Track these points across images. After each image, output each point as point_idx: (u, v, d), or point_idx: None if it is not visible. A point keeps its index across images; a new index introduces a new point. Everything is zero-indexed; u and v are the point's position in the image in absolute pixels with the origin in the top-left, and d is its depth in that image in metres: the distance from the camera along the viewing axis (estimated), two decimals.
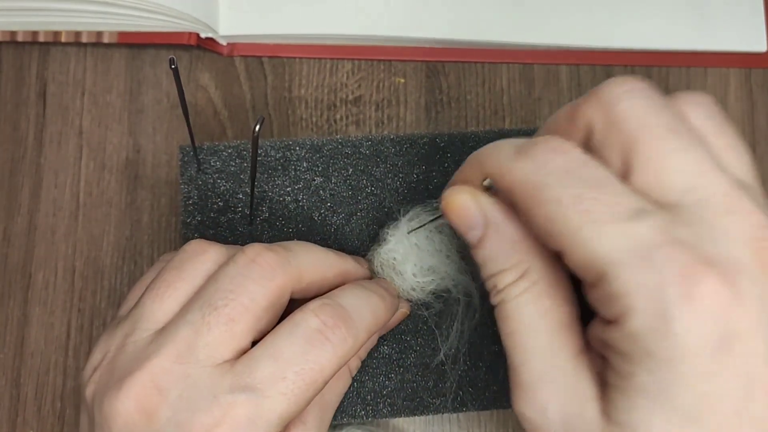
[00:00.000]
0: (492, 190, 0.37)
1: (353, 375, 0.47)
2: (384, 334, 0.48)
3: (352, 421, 0.49)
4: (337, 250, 0.47)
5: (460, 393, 0.48)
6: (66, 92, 0.58)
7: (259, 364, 0.36)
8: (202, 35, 0.57)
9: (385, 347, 0.48)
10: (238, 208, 0.49)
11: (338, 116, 0.58)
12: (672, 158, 0.32)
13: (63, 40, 0.57)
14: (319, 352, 0.37)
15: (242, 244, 0.47)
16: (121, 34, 0.57)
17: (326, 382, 0.37)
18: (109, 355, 0.38)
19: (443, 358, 0.48)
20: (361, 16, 0.59)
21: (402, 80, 0.59)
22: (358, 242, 0.50)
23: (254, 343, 0.38)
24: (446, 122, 0.59)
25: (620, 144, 0.33)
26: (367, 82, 0.59)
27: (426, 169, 0.51)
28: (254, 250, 0.39)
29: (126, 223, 0.56)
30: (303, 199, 0.50)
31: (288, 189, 0.50)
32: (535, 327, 0.35)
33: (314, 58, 0.59)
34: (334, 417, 0.45)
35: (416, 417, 0.53)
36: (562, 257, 0.33)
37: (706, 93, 0.36)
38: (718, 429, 0.30)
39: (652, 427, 0.31)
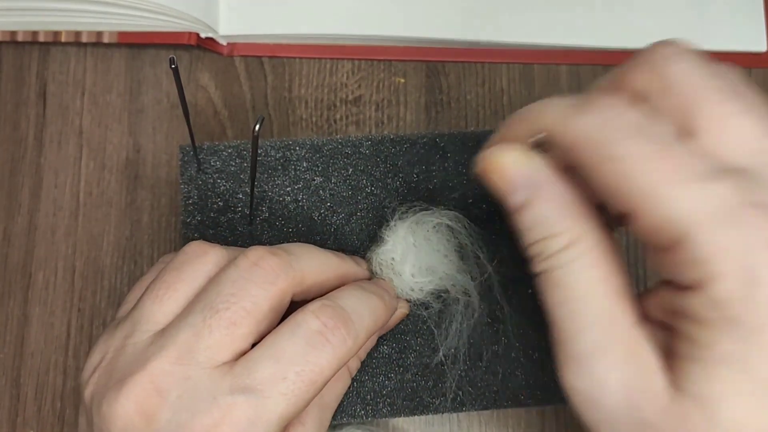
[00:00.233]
0: (541, 148, 0.35)
1: (353, 375, 0.47)
2: (383, 334, 0.48)
3: (352, 421, 0.49)
4: (336, 250, 0.47)
5: (460, 393, 0.48)
6: (66, 92, 0.58)
7: (259, 365, 0.36)
8: (202, 35, 0.57)
9: (385, 347, 0.48)
10: (238, 207, 0.49)
11: (338, 116, 0.58)
12: (736, 120, 0.31)
13: (63, 40, 0.57)
14: (319, 353, 0.36)
15: (242, 244, 0.48)
16: (121, 34, 0.57)
17: (326, 383, 0.37)
18: (108, 356, 0.38)
19: (442, 358, 0.48)
20: (361, 16, 0.59)
21: (402, 80, 0.59)
22: (358, 242, 0.50)
23: (254, 345, 0.37)
24: (446, 122, 0.58)
25: (679, 107, 0.32)
26: (367, 82, 0.59)
27: (426, 168, 0.51)
28: (256, 253, 0.38)
29: (126, 223, 0.56)
30: (303, 198, 0.50)
31: (288, 189, 0.50)
32: (591, 295, 0.33)
33: (314, 58, 0.59)
34: (334, 417, 0.45)
35: (416, 417, 0.52)
36: (631, 219, 0.31)
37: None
38: None
39: (731, 398, 0.30)
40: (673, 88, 0.32)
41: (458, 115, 0.59)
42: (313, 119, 0.58)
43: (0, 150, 0.57)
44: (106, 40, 0.57)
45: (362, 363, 0.47)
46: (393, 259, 0.46)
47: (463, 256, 0.48)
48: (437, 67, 0.59)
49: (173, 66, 0.36)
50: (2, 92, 0.58)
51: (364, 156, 0.50)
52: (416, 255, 0.46)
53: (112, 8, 0.55)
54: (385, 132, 0.58)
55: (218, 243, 0.42)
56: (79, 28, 0.57)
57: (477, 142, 0.51)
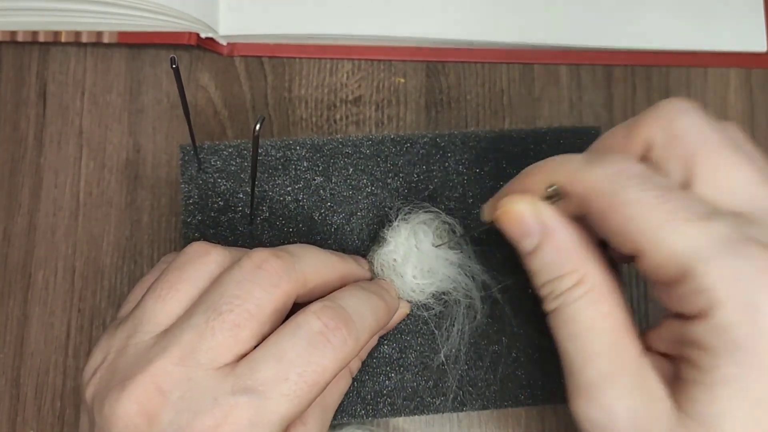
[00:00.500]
0: (552, 199, 0.38)
1: (354, 375, 0.47)
2: (384, 334, 0.48)
3: (352, 420, 0.49)
4: (337, 249, 0.48)
5: (460, 393, 0.48)
6: (66, 92, 0.58)
7: (261, 366, 0.36)
8: (202, 35, 0.57)
9: (386, 347, 0.48)
10: (239, 207, 0.49)
11: (338, 116, 0.58)
12: (733, 171, 0.34)
13: (63, 40, 0.57)
14: (321, 354, 0.36)
15: (243, 244, 0.48)
16: (121, 34, 0.57)
17: (328, 384, 0.37)
18: (110, 356, 0.38)
19: (443, 359, 0.48)
20: (360, 16, 0.59)
21: (402, 80, 0.59)
22: (359, 242, 0.50)
23: (256, 346, 0.37)
24: (446, 122, 0.58)
25: (683, 156, 0.35)
26: (367, 82, 0.59)
27: (426, 168, 0.51)
28: (260, 255, 0.38)
29: (126, 223, 0.56)
30: (303, 198, 0.50)
31: (288, 188, 0.50)
32: (597, 329, 0.36)
33: (314, 58, 0.59)
34: (335, 416, 0.45)
35: (416, 417, 0.53)
36: (638, 259, 0.34)
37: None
38: None
39: (732, 417, 0.31)
40: (678, 139, 0.35)
41: (458, 115, 0.59)
42: (313, 119, 0.58)
43: (0, 150, 0.57)
44: (106, 40, 0.57)
45: (363, 363, 0.48)
46: (395, 260, 0.46)
47: (464, 258, 0.48)
48: (437, 67, 0.59)
49: (174, 66, 0.36)
50: (2, 92, 0.58)
51: (364, 156, 0.50)
52: (418, 257, 0.46)
53: (112, 8, 0.55)
54: (386, 132, 0.58)
55: (219, 242, 0.42)
56: (79, 28, 0.57)
57: (478, 141, 0.51)
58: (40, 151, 0.57)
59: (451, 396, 0.48)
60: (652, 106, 0.37)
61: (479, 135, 0.51)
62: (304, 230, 0.49)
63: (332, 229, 0.50)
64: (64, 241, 0.55)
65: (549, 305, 0.38)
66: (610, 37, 0.59)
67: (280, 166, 0.50)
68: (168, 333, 0.37)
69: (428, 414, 0.49)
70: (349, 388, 0.47)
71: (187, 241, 0.48)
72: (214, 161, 0.50)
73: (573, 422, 0.37)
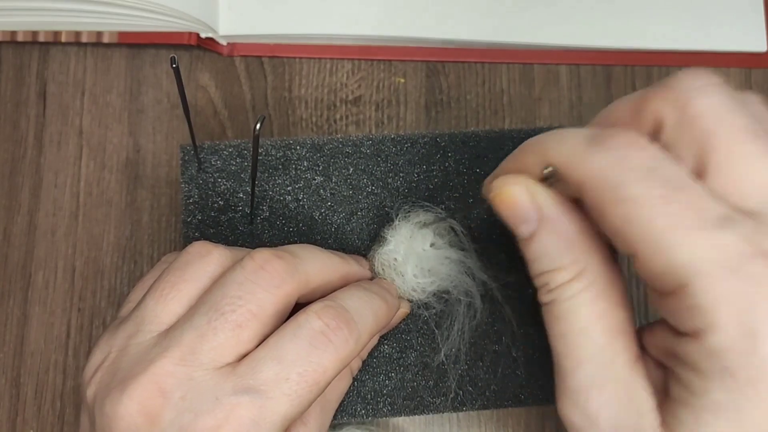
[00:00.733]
0: (549, 180, 0.35)
1: (354, 374, 0.47)
2: (385, 334, 0.48)
3: (352, 420, 0.49)
4: (337, 249, 0.48)
5: (460, 392, 0.48)
6: (66, 92, 0.58)
7: (262, 365, 0.36)
8: (202, 35, 0.57)
9: (386, 346, 0.48)
10: (239, 207, 0.49)
11: (338, 116, 0.58)
12: (752, 163, 0.31)
13: (63, 40, 0.57)
14: (322, 354, 0.36)
15: (243, 243, 0.48)
16: (121, 34, 0.57)
17: (329, 383, 0.37)
18: (111, 355, 0.38)
19: (444, 359, 0.48)
20: (361, 16, 0.59)
21: (402, 80, 0.59)
22: (359, 241, 0.50)
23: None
24: (446, 122, 0.59)
25: (696, 143, 0.32)
26: (367, 82, 0.59)
27: (427, 168, 0.51)
28: (262, 256, 0.38)
29: (126, 223, 0.56)
30: (304, 198, 0.50)
31: (288, 188, 0.50)
32: (590, 330, 0.34)
33: (314, 58, 0.59)
34: (335, 416, 0.45)
35: (416, 417, 0.53)
36: (635, 261, 0.31)
37: None
38: None
39: None
40: (694, 123, 0.32)
41: (458, 115, 0.59)
42: (313, 119, 0.58)
43: (0, 150, 0.57)
44: (106, 40, 0.57)
45: (363, 362, 0.48)
46: (395, 259, 0.46)
47: (464, 257, 0.48)
48: (437, 67, 0.59)
49: (174, 65, 0.36)
50: (2, 92, 0.58)
51: (364, 155, 0.50)
52: (418, 256, 0.46)
53: (112, 8, 0.55)
54: (386, 132, 0.58)
55: (219, 242, 0.41)
56: (79, 28, 0.57)
57: (478, 141, 0.51)
58: (40, 151, 0.57)
59: (451, 396, 0.48)
60: (667, 78, 0.33)
61: (479, 135, 0.51)
62: (305, 230, 0.49)
63: (332, 229, 0.50)
64: (64, 241, 0.55)
65: (543, 297, 0.36)
66: (610, 37, 0.59)
67: (280, 166, 0.50)
68: (169, 333, 0.37)
69: (428, 414, 0.49)
70: (350, 387, 0.47)
71: (187, 240, 0.48)
72: (214, 161, 0.50)
73: None
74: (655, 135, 0.33)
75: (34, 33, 0.57)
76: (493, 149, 0.51)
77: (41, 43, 0.58)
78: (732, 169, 0.31)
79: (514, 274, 0.49)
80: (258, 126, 0.36)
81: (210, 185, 0.49)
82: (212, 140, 0.55)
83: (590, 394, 0.34)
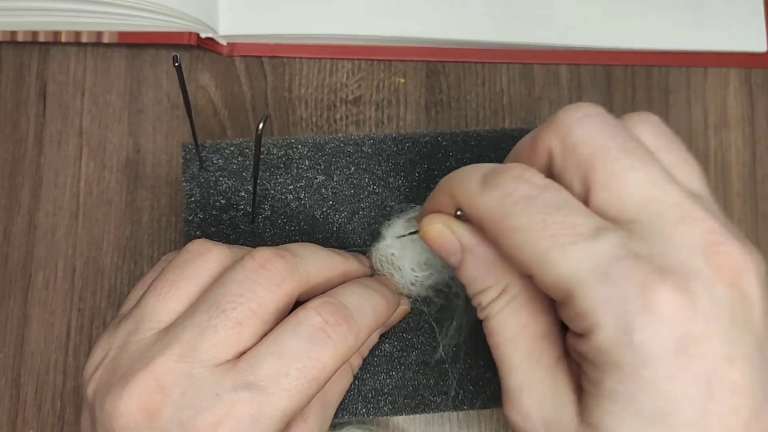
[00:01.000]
0: (462, 217, 0.38)
1: (355, 372, 0.47)
2: (385, 332, 0.48)
3: (353, 419, 0.49)
4: (339, 248, 0.48)
5: (461, 391, 0.48)
6: (66, 92, 0.58)
7: (262, 361, 0.36)
8: (202, 35, 0.57)
9: (387, 345, 0.48)
10: (240, 205, 0.49)
11: (338, 116, 0.58)
12: (626, 176, 0.34)
13: (63, 40, 0.57)
14: (321, 349, 0.37)
15: (244, 242, 0.48)
16: (121, 34, 0.57)
17: (328, 379, 0.37)
18: (111, 353, 0.38)
19: (443, 355, 0.48)
20: (361, 16, 0.59)
21: (402, 80, 0.59)
22: (360, 240, 0.50)
23: None
24: (446, 122, 0.59)
25: (579, 167, 0.34)
26: (367, 82, 0.59)
27: (428, 167, 0.51)
28: (263, 255, 0.39)
29: (126, 223, 0.56)
30: (305, 197, 0.50)
31: (290, 187, 0.50)
32: (515, 340, 0.37)
33: (314, 58, 0.59)
34: (336, 414, 0.45)
35: (416, 417, 0.53)
36: (533, 280, 0.34)
37: (651, 113, 0.38)
38: (683, 428, 0.31)
39: (622, 429, 0.32)
40: (575, 150, 0.35)
41: (458, 115, 0.59)
42: (313, 119, 0.58)
43: (0, 150, 0.57)
44: (106, 40, 0.57)
45: (364, 360, 0.48)
46: (392, 254, 0.46)
47: None
48: (437, 67, 0.60)
49: (177, 64, 0.36)
50: (2, 92, 0.58)
51: (366, 154, 0.51)
52: (414, 249, 0.46)
53: (112, 8, 0.55)
54: (386, 131, 0.58)
55: (220, 241, 0.42)
56: (79, 28, 0.57)
57: (479, 141, 0.51)
58: (40, 151, 0.57)
59: (452, 394, 0.48)
60: (553, 115, 0.37)
61: (481, 134, 0.51)
62: (306, 229, 0.49)
63: (334, 228, 0.50)
64: (64, 241, 0.55)
65: (479, 315, 0.39)
66: (610, 37, 0.59)
67: (281, 165, 0.50)
68: (169, 330, 0.37)
69: (429, 412, 0.49)
70: (351, 385, 0.47)
71: (188, 239, 0.48)
72: (215, 159, 0.50)
73: None
74: (549, 166, 0.36)
75: (34, 33, 0.57)
76: (494, 149, 0.51)
77: (41, 43, 0.58)
78: (610, 184, 0.34)
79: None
80: (261, 125, 0.36)
81: (211, 184, 0.49)
82: (213, 140, 0.55)
83: (521, 395, 0.37)
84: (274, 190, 0.50)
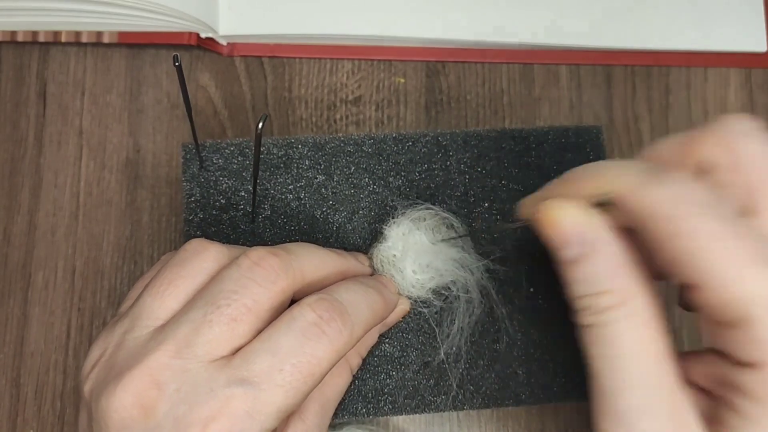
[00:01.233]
0: (602, 205, 0.36)
1: (354, 372, 0.47)
2: (385, 332, 0.48)
3: (353, 419, 0.49)
4: (339, 248, 0.48)
5: (461, 391, 0.48)
6: (66, 92, 0.58)
7: (256, 357, 0.36)
8: (202, 35, 0.57)
9: (387, 345, 0.48)
10: (240, 205, 0.49)
11: (338, 116, 0.58)
12: None
13: (63, 40, 0.57)
14: (316, 345, 0.37)
15: (244, 242, 0.48)
16: (121, 34, 0.57)
17: (324, 375, 0.37)
18: (108, 351, 0.38)
19: (443, 357, 0.48)
20: (361, 16, 0.59)
21: (402, 80, 0.59)
22: (360, 240, 0.50)
23: None
24: (446, 122, 0.59)
25: (745, 185, 0.33)
26: (367, 82, 0.59)
27: (428, 167, 0.51)
28: (257, 253, 0.39)
29: (126, 223, 0.56)
30: (305, 197, 0.50)
31: (290, 187, 0.50)
32: (638, 355, 0.35)
33: (314, 58, 0.59)
34: (335, 415, 0.45)
35: (416, 417, 0.53)
36: (694, 292, 0.32)
37: None
38: None
39: None
40: (742, 166, 0.33)
41: (458, 115, 0.59)
42: (313, 119, 0.58)
43: (0, 150, 0.57)
44: (106, 40, 0.57)
45: (364, 361, 0.48)
46: (394, 255, 0.46)
47: (463, 254, 0.48)
48: (437, 67, 0.60)
49: (177, 63, 0.36)
50: (2, 92, 0.58)
51: (366, 154, 0.51)
52: (417, 252, 0.46)
53: (112, 8, 0.55)
54: (387, 131, 0.58)
55: (220, 241, 0.42)
56: (79, 28, 0.57)
57: (479, 140, 0.51)
58: (40, 151, 0.57)
59: (452, 394, 0.48)
60: (712, 122, 0.35)
61: (481, 134, 0.51)
62: (306, 228, 0.49)
63: (334, 228, 0.50)
64: (64, 241, 0.55)
65: (584, 319, 0.36)
66: (610, 37, 0.59)
67: (281, 165, 0.50)
68: (165, 327, 0.37)
69: (429, 412, 0.49)
70: (350, 385, 0.47)
71: (188, 239, 0.48)
72: (215, 159, 0.50)
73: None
74: (703, 176, 0.35)
75: (34, 33, 0.57)
76: (495, 148, 0.51)
77: (41, 43, 0.58)
78: None
79: (515, 272, 0.49)
80: (260, 125, 0.36)
81: (212, 184, 0.49)
82: (213, 140, 0.55)
83: (639, 417, 0.34)
84: (274, 190, 0.50)
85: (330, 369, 0.38)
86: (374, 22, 0.59)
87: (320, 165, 0.50)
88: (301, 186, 0.50)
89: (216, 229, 0.49)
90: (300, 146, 0.50)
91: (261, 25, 0.58)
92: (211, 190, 0.49)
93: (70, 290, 0.55)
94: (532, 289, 0.49)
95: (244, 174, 0.50)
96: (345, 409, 0.48)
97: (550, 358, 0.49)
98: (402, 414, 0.48)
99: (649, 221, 0.33)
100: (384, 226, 0.47)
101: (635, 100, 0.60)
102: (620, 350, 0.35)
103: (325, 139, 0.51)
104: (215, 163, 0.50)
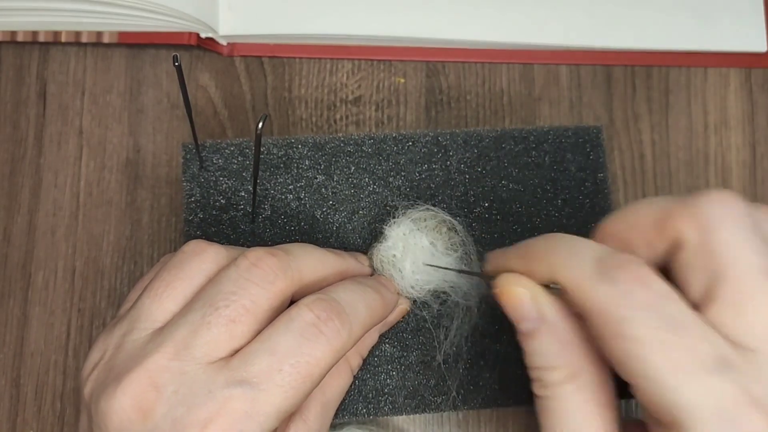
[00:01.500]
0: (553, 290, 0.36)
1: (354, 373, 0.47)
2: (385, 333, 0.48)
3: (353, 419, 0.49)
4: (339, 248, 0.48)
5: (461, 391, 0.48)
6: (66, 92, 0.58)
7: (254, 358, 0.36)
8: (202, 35, 0.57)
9: (387, 345, 0.48)
10: (241, 205, 0.49)
11: (338, 116, 0.58)
12: (759, 302, 0.32)
13: (63, 40, 0.57)
14: (314, 345, 0.37)
15: (244, 242, 0.48)
16: (121, 34, 0.57)
17: (323, 376, 0.37)
18: (107, 353, 0.38)
19: (444, 357, 0.48)
20: (360, 16, 0.59)
21: (402, 80, 0.59)
22: (360, 240, 0.50)
23: None
24: (446, 122, 0.59)
25: (710, 271, 0.33)
26: (367, 82, 0.59)
27: (428, 167, 0.51)
28: (256, 254, 0.39)
29: (126, 223, 0.56)
30: (305, 197, 0.50)
31: (290, 187, 0.50)
32: (582, 428, 0.36)
33: (314, 58, 0.59)
34: (336, 415, 0.45)
35: (416, 417, 0.52)
36: (633, 390, 0.33)
37: None
38: None
39: None
40: (713, 252, 0.33)
41: (458, 115, 0.59)
42: (313, 119, 0.58)
43: (0, 150, 0.57)
44: (106, 40, 0.57)
45: (364, 361, 0.48)
46: (394, 255, 0.46)
47: (464, 254, 0.48)
48: (437, 67, 0.60)
49: (177, 63, 0.36)
50: (2, 92, 0.58)
51: (366, 154, 0.51)
52: (417, 252, 0.46)
53: (112, 8, 0.55)
54: (387, 131, 0.58)
55: (221, 241, 0.42)
56: (79, 28, 0.57)
57: (479, 140, 0.51)
58: (40, 151, 0.57)
59: (452, 394, 0.48)
60: (691, 197, 0.34)
61: (481, 134, 0.51)
62: (306, 228, 0.49)
63: (334, 228, 0.50)
64: (64, 241, 0.55)
65: (536, 390, 0.38)
66: (610, 37, 0.59)
67: (281, 165, 0.50)
68: (164, 329, 0.38)
69: (429, 412, 0.49)
70: (351, 386, 0.47)
71: (188, 239, 0.48)
72: (215, 159, 0.50)
73: None
74: (672, 249, 0.35)
75: (34, 33, 0.57)
76: (495, 148, 0.51)
77: (41, 43, 0.58)
78: (738, 304, 0.32)
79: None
80: (260, 125, 0.36)
81: (212, 184, 0.49)
82: (213, 140, 0.55)
83: None
84: (274, 190, 0.50)
85: (329, 369, 0.38)
86: (374, 22, 0.59)
87: (320, 165, 0.50)
88: (301, 186, 0.50)
89: (216, 230, 0.49)
90: (300, 146, 0.50)
91: (261, 25, 0.58)
92: (211, 190, 0.49)
93: (70, 290, 0.55)
94: None
95: (244, 174, 0.50)
96: (345, 409, 0.48)
97: None
98: (402, 414, 0.48)
99: (593, 319, 0.34)
100: (384, 226, 0.47)
101: (635, 100, 0.60)
102: (565, 423, 0.36)
103: (325, 139, 0.51)
104: (215, 163, 0.50)
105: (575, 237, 0.37)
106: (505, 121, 0.59)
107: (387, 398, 0.48)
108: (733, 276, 0.33)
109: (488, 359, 0.49)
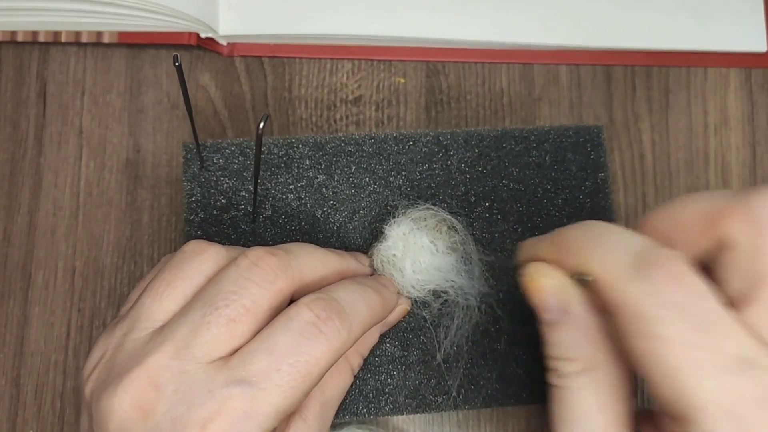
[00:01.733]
0: (582, 281, 0.37)
1: (355, 372, 0.47)
2: (386, 332, 0.48)
3: (354, 419, 0.49)
4: (339, 247, 0.48)
5: (462, 391, 0.48)
6: (66, 92, 0.58)
7: (253, 357, 0.36)
8: (202, 35, 0.57)
9: (388, 345, 0.48)
10: (241, 205, 0.49)
11: (338, 116, 0.58)
12: None
13: (63, 40, 0.57)
14: (313, 344, 0.37)
15: (245, 242, 0.48)
16: (121, 34, 0.57)
17: (322, 375, 0.37)
18: (108, 353, 0.39)
19: (444, 357, 0.48)
20: (360, 16, 0.59)
21: (402, 80, 0.59)
22: (361, 240, 0.50)
23: None
24: (446, 122, 0.59)
25: (754, 274, 0.33)
26: (367, 82, 0.59)
27: (429, 167, 0.51)
28: (256, 253, 0.39)
29: (126, 223, 0.56)
30: (306, 196, 0.50)
31: (291, 187, 0.50)
32: (592, 421, 0.36)
33: (314, 58, 0.59)
34: (337, 415, 0.45)
35: (416, 417, 0.52)
36: (646, 383, 0.33)
37: None
38: None
39: None
40: (760, 258, 0.33)
41: (458, 115, 0.59)
42: (313, 119, 0.58)
43: (0, 150, 0.56)
44: (106, 40, 0.57)
45: (365, 361, 0.48)
46: (394, 255, 0.46)
47: (464, 254, 0.48)
48: (437, 67, 0.60)
49: (177, 63, 0.36)
50: (2, 92, 0.58)
51: (366, 154, 0.51)
52: (417, 252, 0.46)
53: (112, 8, 0.55)
54: (387, 131, 0.58)
55: (221, 240, 0.42)
56: (79, 28, 0.57)
57: (480, 140, 0.51)
58: (40, 151, 0.57)
59: (453, 394, 0.48)
60: (744, 196, 0.34)
61: (482, 133, 0.51)
62: (307, 228, 0.49)
63: (335, 227, 0.50)
64: (64, 241, 0.55)
65: (552, 380, 0.38)
66: (610, 37, 0.59)
67: (282, 165, 0.50)
68: (164, 329, 0.38)
69: (430, 412, 0.49)
70: (351, 385, 0.47)
71: (189, 239, 0.48)
72: (216, 159, 0.50)
73: None
74: (718, 248, 0.34)
75: (34, 33, 0.57)
76: (496, 148, 0.51)
77: (41, 43, 0.58)
78: None
79: (515, 273, 0.49)
80: (261, 124, 0.36)
81: (212, 183, 0.49)
82: (213, 140, 0.55)
83: None
84: (275, 190, 0.50)
85: (328, 368, 0.38)
86: (374, 22, 0.59)
87: (321, 165, 0.50)
88: (301, 186, 0.50)
89: (217, 229, 0.49)
90: (300, 146, 0.50)
91: (261, 25, 0.58)
92: (212, 190, 0.49)
93: (70, 290, 0.55)
94: None
95: (244, 174, 0.50)
96: (346, 409, 0.48)
97: None
98: (403, 414, 0.48)
99: (620, 315, 0.34)
100: (385, 226, 0.47)
101: (635, 100, 0.60)
102: (578, 415, 0.37)
103: (326, 139, 0.51)
104: (216, 163, 0.50)
105: (612, 226, 0.37)
106: (505, 121, 0.59)
107: (388, 398, 0.48)
108: None
109: (489, 359, 0.49)
